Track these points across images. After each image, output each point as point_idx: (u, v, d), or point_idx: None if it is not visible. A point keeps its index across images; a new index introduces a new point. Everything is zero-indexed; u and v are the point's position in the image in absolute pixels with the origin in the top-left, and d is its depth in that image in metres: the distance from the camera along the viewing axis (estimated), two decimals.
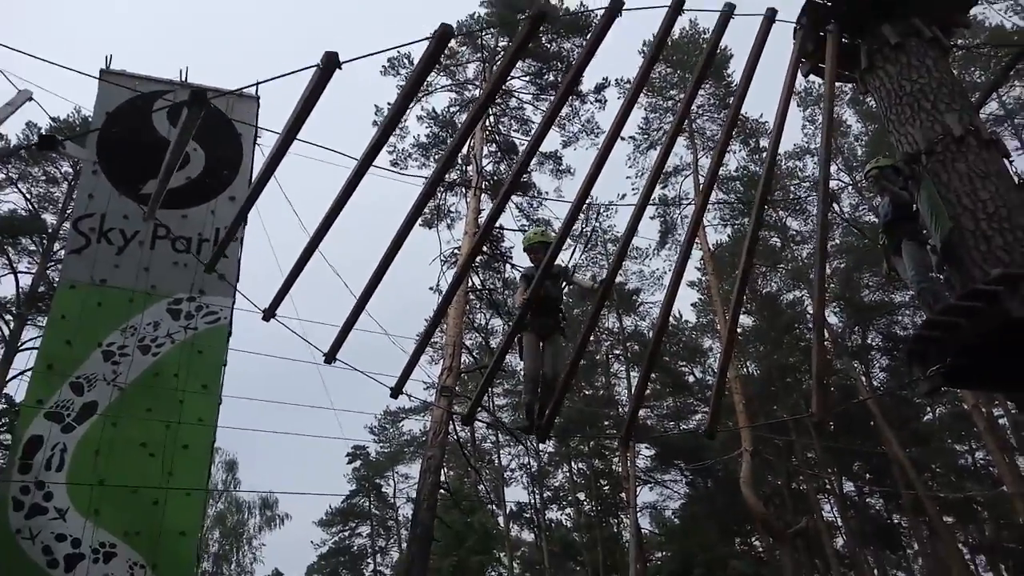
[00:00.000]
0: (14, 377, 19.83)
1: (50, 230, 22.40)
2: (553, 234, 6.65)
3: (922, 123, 5.39)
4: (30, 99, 7.03)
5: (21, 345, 20.60)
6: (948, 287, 5.28)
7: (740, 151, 27.92)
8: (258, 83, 3.81)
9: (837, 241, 29.51)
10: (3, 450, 19.31)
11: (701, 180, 26.27)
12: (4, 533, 7.95)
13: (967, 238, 4.81)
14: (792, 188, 28.31)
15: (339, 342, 5.55)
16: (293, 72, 3.61)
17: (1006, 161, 5.21)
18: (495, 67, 21.10)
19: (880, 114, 5.93)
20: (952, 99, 5.39)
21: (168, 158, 4.48)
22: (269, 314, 5.24)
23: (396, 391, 6.04)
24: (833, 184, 24.83)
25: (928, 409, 30.64)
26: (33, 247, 22.53)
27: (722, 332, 24.63)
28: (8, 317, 21.44)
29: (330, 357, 5.57)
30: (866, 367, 31.31)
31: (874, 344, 31.37)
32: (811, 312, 30.64)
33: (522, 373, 6.50)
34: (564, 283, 6.82)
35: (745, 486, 19.85)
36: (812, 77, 6.54)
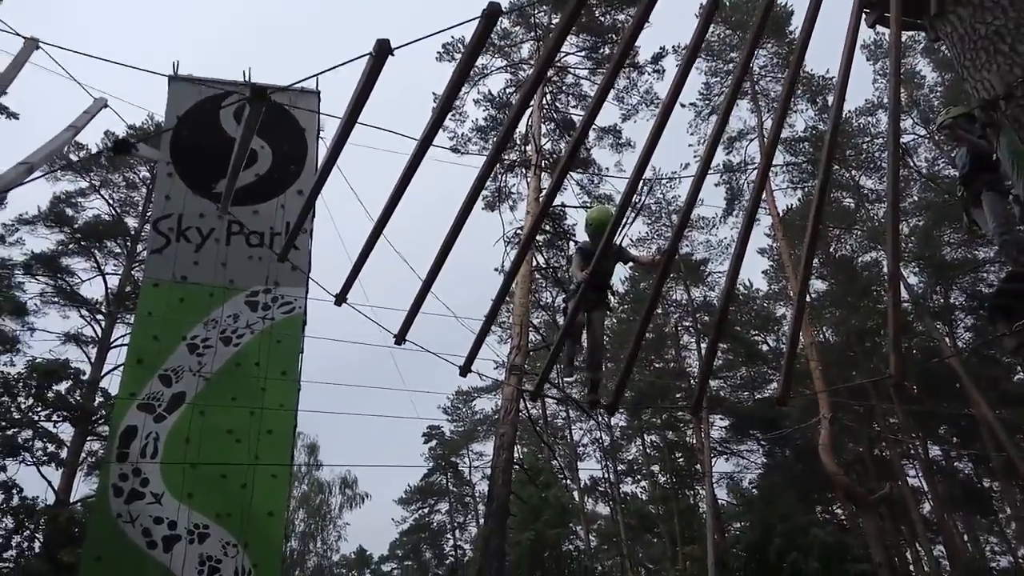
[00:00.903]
0: (108, 372, 21.01)
1: (132, 232, 23.49)
2: (607, 209, 6.65)
3: (999, 67, 5.10)
4: (105, 106, 7.36)
5: (113, 342, 21.77)
6: None
7: (807, 110, 26.98)
8: (316, 75, 3.90)
9: (915, 198, 28.30)
10: (102, 441, 20.53)
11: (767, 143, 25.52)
12: (106, 517, 8.49)
13: None
14: (865, 145, 27.21)
15: (408, 323, 5.67)
16: (346, 63, 3.69)
17: None
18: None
19: (954, 61, 5.65)
20: None
21: (235, 155, 4.64)
22: (340, 299, 5.39)
23: (464, 369, 6.15)
24: (908, 138, 23.79)
25: (1019, 368, 29.23)
26: (118, 250, 23.70)
27: (795, 298, 24.04)
28: (99, 317, 22.67)
29: (400, 338, 5.70)
30: (950, 327, 30.05)
31: (957, 303, 30.05)
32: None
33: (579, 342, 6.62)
34: (619, 260, 6.82)
35: (824, 453, 19.42)
36: (880, 28, 6.28)
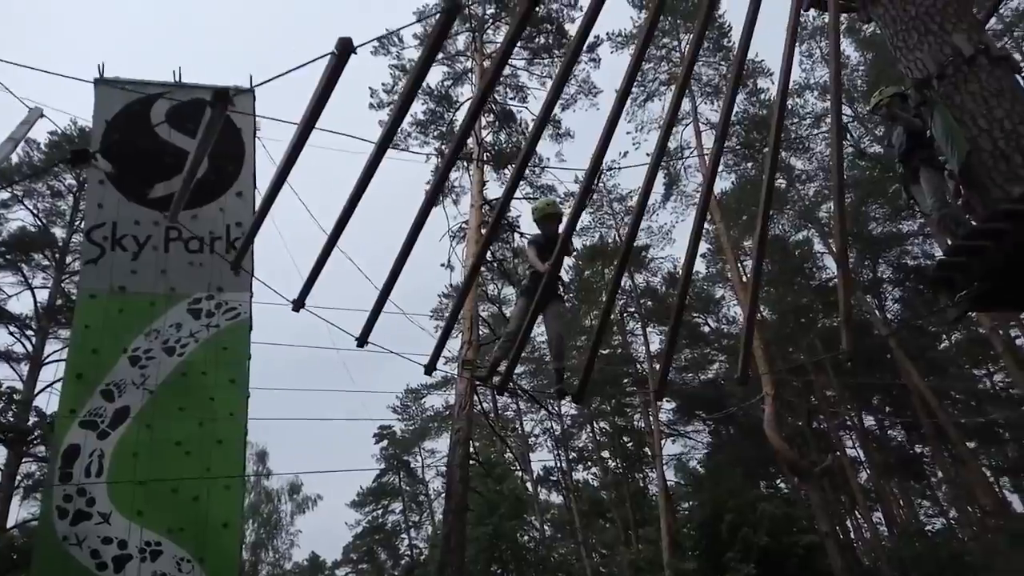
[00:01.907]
0: (42, 390, 20.10)
1: (61, 243, 22.48)
2: (557, 201, 6.73)
3: (930, 46, 5.30)
4: (42, 116, 7.01)
5: (46, 359, 20.83)
6: (969, 211, 5.26)
7: (738, 94, 27.58)
8: (277, 77, 3.77)
9: (844, 176, 29.22)
10: (39, 462, 19.66)
11: (701, 127, 26.02)
12: (52, 541, 8.14)
13: (986, 159, 4.76)
14: (793, 127, 28.01)
15: (369, 326, 5.61)
16: (312, 61, 3.60)
17: (1018, 77, 5.13)
18: (485, 42, 20.87)
19: (886, 41, 5.84)
20: (958, 18, 5.27)
21: (190, 162, 4.49)
22: (299, 304, 5.29)
23: (429, 369, 6.12)
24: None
25: (944, 337, 30.65)
26: (46, 262, 22.65)
27: (734, 280, 24.64)
28: (29, 332, 21.65)
29: (362, 341, 5.63)
30: (879, 300, 31.28)
31: (885, 277, 31.30)
32: (820, 251, 30.64)
33: (506, 331, 6.67)
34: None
35: (769, 429, 20.01)
36: (809, 12, 6.44)
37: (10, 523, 18.02)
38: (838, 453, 28.87)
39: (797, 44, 27.44)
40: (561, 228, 6.35)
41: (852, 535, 31.64)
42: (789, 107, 28.66)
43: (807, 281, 31.23)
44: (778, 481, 33.49)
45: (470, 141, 19.01)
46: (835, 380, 28.59)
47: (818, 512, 20.46)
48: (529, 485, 35.81)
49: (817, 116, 27.47)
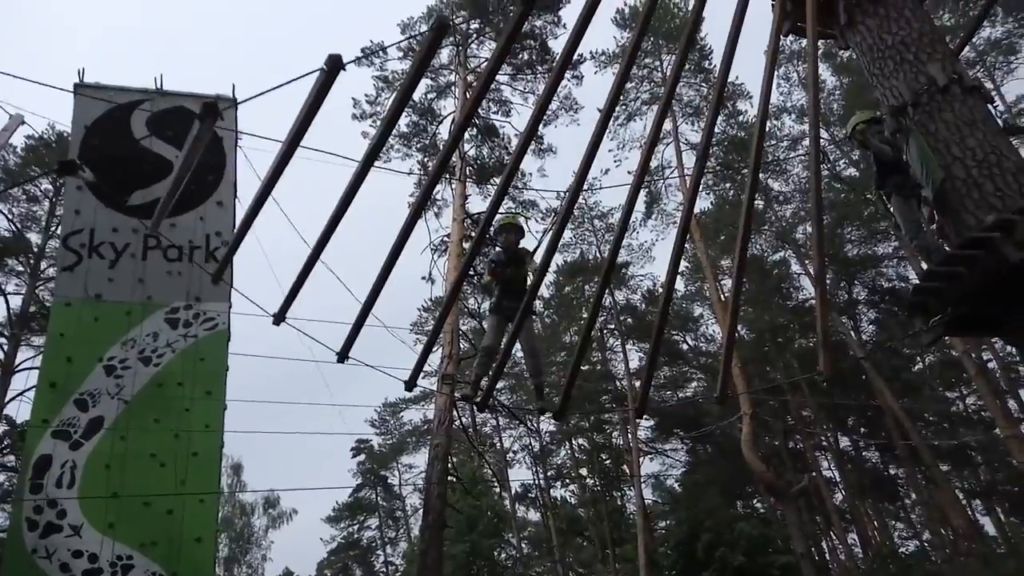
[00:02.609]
0: (13, 398, 19.72)
1: (36, 249, 22.16)
2: (517, 214, 6.78)
3: (906, 75, 5.43)
4: (22, 123, 6.96)
5: (17, 367, 20.45)
6: (943, 237, 5.37)
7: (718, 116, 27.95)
8: (265, 92, 3.77)
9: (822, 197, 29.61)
10: (7, 472, 19.27)
11: (682, 147, 26.30)
12: (20, 553, 7.98)
13: (959, 187, 4.87)
14: (771, 149, 28.41)
15: (350, 341, 5.59)
16: (301, 77, 3.61)
17: (989, 107, 5.27)
18: (469, 57, 21.01)
19: (863, 69, 5.97)
20: (933, 48, 5.42)
21: (178, 169, 4.48)
22: (279, 318, 5.27)
23: (410, 384, 6.10)
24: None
25: (918, 359, 31.04)
26: (20, 268, 22.30)
27: (713, 298, 24.82)
28: (1, 340, 21.28)
29: (343, 356, 5.61)
30: (854, 321, 31.64)
31: (860, 298, 31.69)
32: (798, 271, 31.00)
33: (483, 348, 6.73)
34: (528, 268, 6.91)
35: (746, 448, 20.11)
36: (788, 37, 6.58)
37: None
38: (814, 473, 29.01)
39: (777, 67, 27.96)
40: (537, 243, 6.45)
41: (827, 556, 31.78)
42: (767, 129, 29.09)
43: (784, 301, 31.54)
44: (755, 501, 33.61)
45: (453, 155, 19.10)
46: (811, 400, 28.82)
47: (794, 532, 20.56)
48: (507, 502, 35.66)
49: (794, 139, 27.90)
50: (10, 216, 22.63)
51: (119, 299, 9.41)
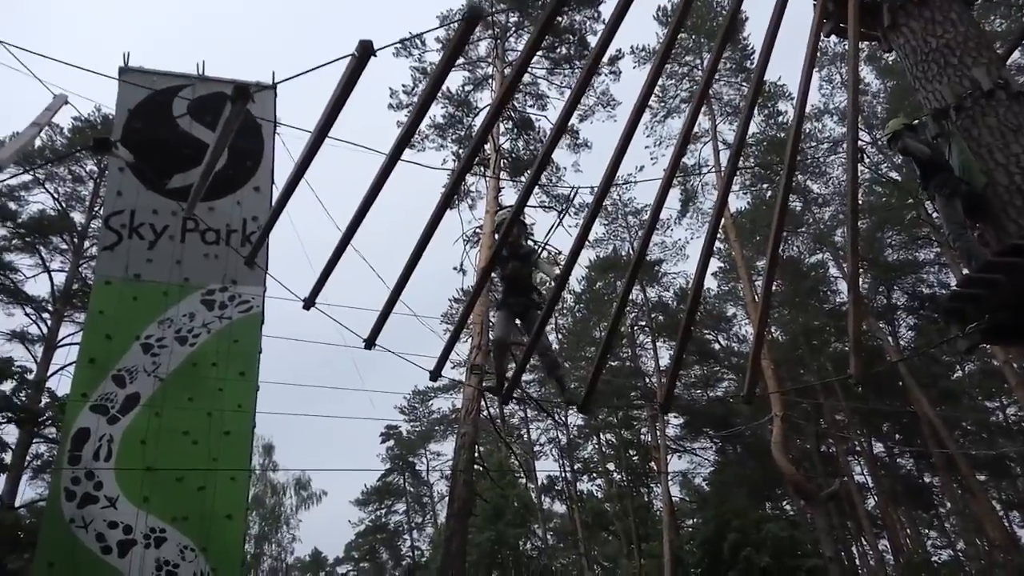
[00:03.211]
0: (55, 372, 20.32)
1: (79, 228, 22.73)
2: (509, 208, 6.74)
3: (949, 79, 5.32)
4: (66, 103, 7.15)
5: (60, 341, 21.06)
6: (984, 243, 5.26)
7: (756, 116, 27.60)
8: (295, 76, 3.83)
9: (859, 201, 29.06)
10: (49, 443, 19.88)
11: (720, 146, 26.02)
12: (59, 522, 8.23)
13: (1001, 193, 4.77)
14: (810, 150, 27.97)
15: (378, 328, 5.66)
16: (330, 63, 3.66)
17: None
18: (507, 50, 20.98)
19: (906, 71, 5.86)
20: (979, 52, 5.31)
21: (209, 155, 4.56)
22: (309, 303, 5.36)
23: (435, 374, 6.16)
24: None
25: (957, 367, 30.38)
26: (64, 246, 22.91)
27: (747, 299, 24.56)
28: (45, 315, 21.91)
29: (370, 343, 5.69)
30: (892, 327, 31.07)
31: (900, 304, 31.10)
32: (835, 275, 30.51)
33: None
34: (533, 265, 6.91)
35: (776, 450, 19.88)
36: (829, 37, 6.47)
37: (18, 502, 18.23)
38: (845, 478, 28.59)
39: (817, 69, 27.55)
40: (549, 230, 6.45)
41: (857, 562, 31.35)
42: (807, 131, 28.64)
43: (820, 304, 31.08)
44: (784, 503, 33.27)
45: (487, 147, 19.13)
46: (845, 404, 28.38)
47: (823, 536, 20.30)
48: (533, 493, 35.79)
49: (835, 140, 27.41)
50: (56, 195, 23.26)
51: (157, 279, 9.62)
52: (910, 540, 31.09)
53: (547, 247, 6.85)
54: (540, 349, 6.59)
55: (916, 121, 5.89)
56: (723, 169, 23.85)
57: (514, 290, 6.65)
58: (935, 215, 6.42)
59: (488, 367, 15.29)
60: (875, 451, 32.28)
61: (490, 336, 16.98)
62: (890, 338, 29.81)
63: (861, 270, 29.52)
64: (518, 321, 6.69)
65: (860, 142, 6.80)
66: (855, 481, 30.61)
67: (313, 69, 3.67)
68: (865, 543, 32.03)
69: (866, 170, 24.49)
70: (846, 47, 6.09)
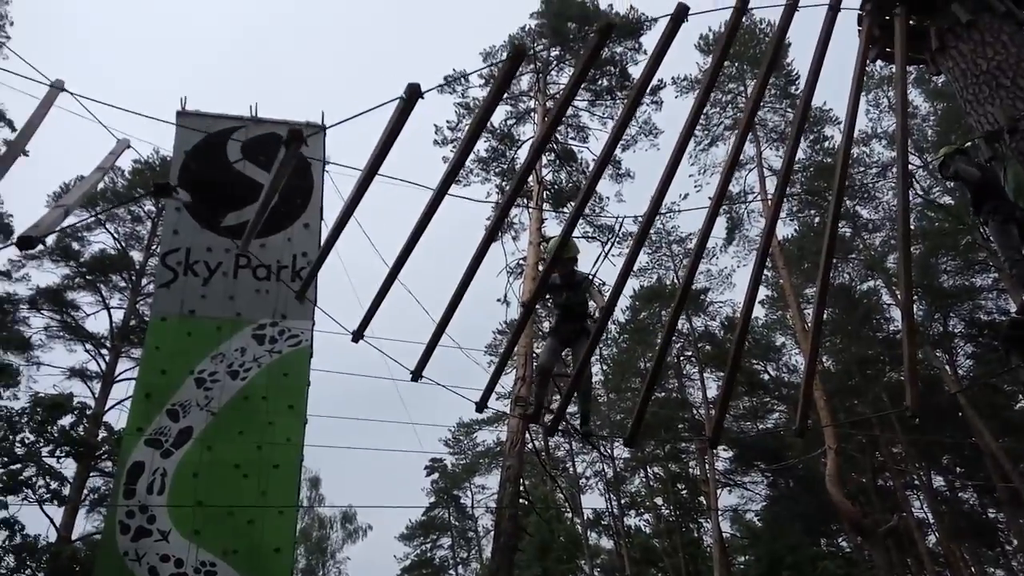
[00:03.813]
0: (112, 407, 20.91)
1: (137, 266, 23.52)
2: (572, 242, 6.74)
3: (1002, 100, 5.20)
4: (128, 147, 7.46)
5: (117, 377, 21.68)
6: None
7: (802, 141, 27.30)
8: (345, 120, 3.94)
9: (912, 226, 28.39)
10: (105, 477, 20.36)
11: (765, 172, 25.78)
12: (114, 555, 8.36)
13: None
14: (859, 175, 27.50)
15: (424, 360, 5.71)
16: (382, 104, 3.77)
17: None
18: (548, 83, 21.24)
19: (956, 94, 5.76)
20: None
21: (266, 192, 4.71)
22: (357, 336, 5.44)
23: (481, 406, 6.17)
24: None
25: (1021, 396, 29.19)
26: (123, 284, 23.71)
27: (796, 327, 24.08)
28: (104, 351, 22.61)
29: (416, 375, 5.74)
30: (950, 355, 30.08)
31: (956, 331, 30.12)
32: (888, 302, 29.74)
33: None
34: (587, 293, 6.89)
35: (831, 484, 19.29)
36: (873, 63, 6.40)
37: (75, 535, 18.66)
38: (904, 513, 27.55)
39: (864, 93, 27.21)
40: (597, 259, 6.45)
41: None
42: (855, 156, 28.18)
43: (873, 332, 30.29)
44: (839, 539, 32.16)
45: (530, 179, 19.28)
46: (902, 436, 27.45)
47: (881, 574, 19.55)
48: (579, 527, 35.24)
49: (884, 165, 26.93)
50: (116, 235, 24.15)
51: (211, 315, 9.84)
52: None
53: (593, 277, 6.85)
54: (578, 376, 6.57)
55: (968, 144, 5.77)
56: (769, 196, 23.64)
57: (569, 317, 6.66)
58: (991, 240, 6.21)
59: (532, 400, 15.24)
60: (935, 485, 31.08)
61: (534, 365, 16.94)
62: (948, 367, 28.86)
63: (915, 297, 28.70)
64: (566, 349, 6.70)
65: (910, 166, 6.68)
66: (915, 516, 29.47)
67: (362, 113, 3.78)
68: None
69: (918, 195, 23.97)
70: (893, 70, 6.02)
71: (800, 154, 27.26)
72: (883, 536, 20.10)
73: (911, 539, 27.70)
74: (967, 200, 6.04)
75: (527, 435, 14.70)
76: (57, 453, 18.24)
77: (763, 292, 33.12)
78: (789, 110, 26.33)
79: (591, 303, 6.77)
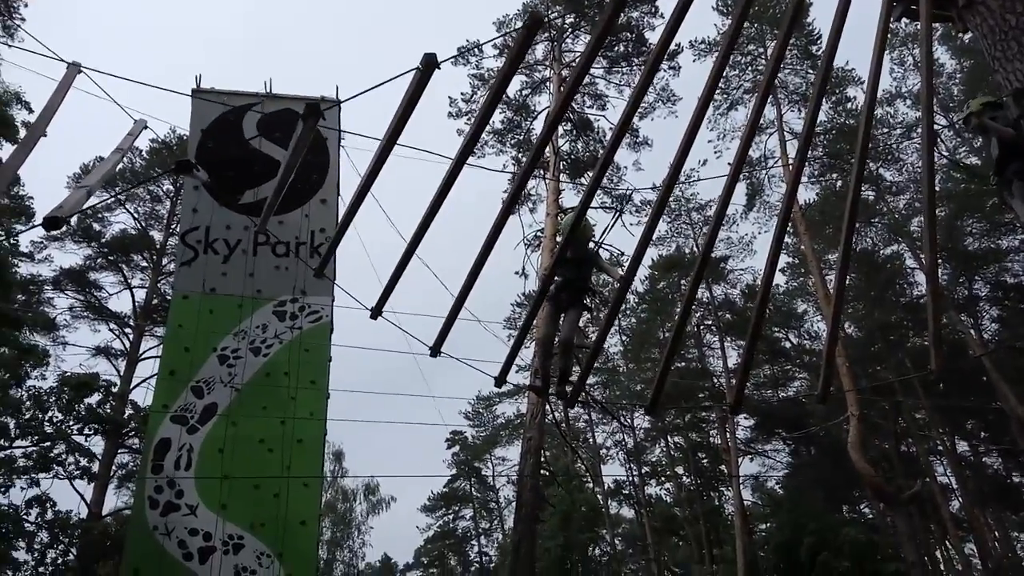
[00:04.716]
0: (137, 385, 21.26)
1: (158, 245, 23.74)
2: (588, 225, 6.70)
3: None
4: (145, 127, 7.48)
5: (141, 355, 22.02)
6: None
7: (823, 103, 26.73)
8: (361, 92, 3.89)
9: (937, 188, 27.87)
10: (133, 453, 20.77)
11: (786, 136, 25.35)
12: (144, 530, 8.56)
13: None
14: (882, 137, 26.95)
15: (443, 335, 5.71)
16: (398, 76, 3.72)
17: None
18: (564, 51, 20.95)
19: (984, 51, 5.58)
20: None
21: (283, 170, 4.69)
22: (376, 312, 5.43)
23: (500, 380, 6.18)
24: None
25: None
26: (144, 263, 23.96)
27: (818, 294, 23.84)
28: (127, 330, 22.94)
29: (435, 350, 5.74)
30: (975, 320, 29.69)
31: (982, 295, 29.68)
32: (911, 266, 29.32)
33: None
34: (594, 267, 6.86)
35: (853, 451, 19.21)
36: (897, 21, 6.21)
37: (104, 511, 19.09)
38: (928, 479, 27.45)
39: (888, 51, 26.55)
40: (607, 227, 6.39)
41: (942, 567, 30.04)
42: (878, 116, 27.58)
43: (896, 298, 29.94)
44: (862, 506, 32.15)
45: (547, 150, 19.10)
46: (926, 402, 27.23)
47: (905, 540, 19.53)
48: (600, 497, 35.51)
49: (909, 126, 26.35)
50: (136, 215, 24.36)
51: (232, 292, 9.93)
52: (999, 544, 29.60)
53: (608, 248, 6.82)
54: (564, 338, 6.64)
55: (1002, 99, 5.58)
56: (790, 160, 23.29)
57: (568, 288, 6.66)
58: (1012, 202, 6.01)
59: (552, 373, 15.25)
60: (959, 450, 30.87)
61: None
62: (972, 331, 28.50)
63: (940, 260, 28.22)
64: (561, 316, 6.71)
65: (936, 126, 6.51)
66: (938, 482, 29.36)
67: (377, 86, 3.73)
68: (950, 547, 30.69)
69: (943, 156, 23.49)
70: (918, 27, 5.85)
71: (821, 116, 26.75)
72: (906, 502, 20.03)
73: (934, 505, 27.63)
74: (992, 160, 5.85)
75: (547, 407, 14.74)
76: (85, 431, 18.62)
77: (784, 259, 32.78)
78: (810, 71, 25.75)
79: (601, 277, 6.77)
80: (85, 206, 6.25)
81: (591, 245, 6.93)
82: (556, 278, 6.67)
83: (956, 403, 26.45)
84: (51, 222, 5.29)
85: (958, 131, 23.59)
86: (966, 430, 31.20)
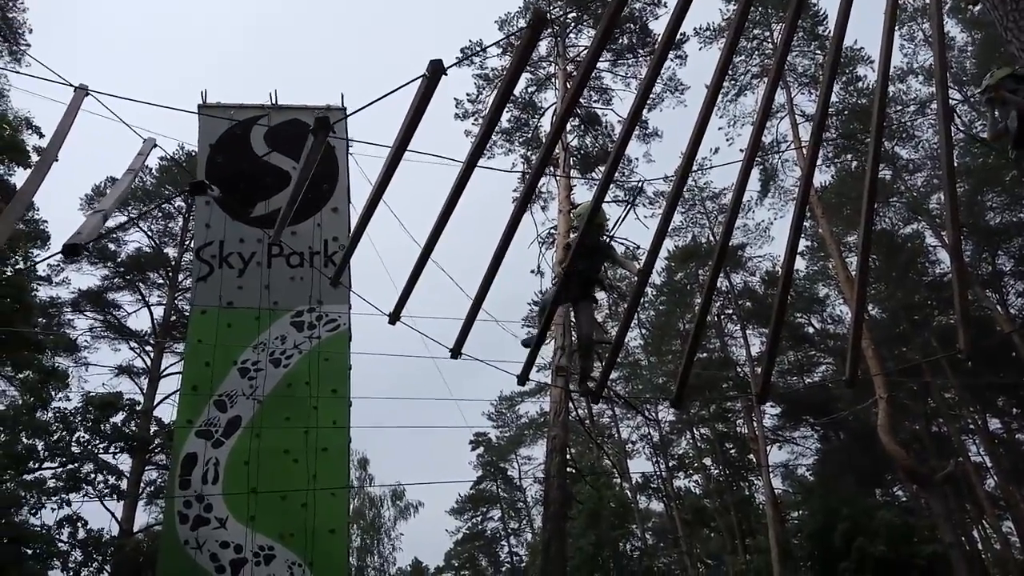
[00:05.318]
0: (160, 402, 21.44)
1: (173, 262, 23.92)
2: (603, 212, 6.62)
3: None
4: (155, 146, 7.50)
5: (163, 372, 22.21)
6: None
7: (835, 84, 26.41)
8: (370, 104, 3.85)
9: (955, 163, 27.45)
10: (160, 469, 20.95)
11: (798, 119, 25.07)
12: (175, 545, 8.60)
13: None
14: (896, 114, 26.56)
15: (462, 337, 5.67)
16: (405, 84, 3.68)
17: None
18: (568, 47, 20.85)
19: (996, 22, 5.44)
20: None
21: (295, 182, 4.68)
22: (394, 317, 5.41)
23: (522, 378, 6.13)
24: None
25: None
26: (161, 280, 24.16)
27: (839, 277, 23.57)
28: (148, 348, 23.15)
29: (456, 352, 5.70)
30: (1001, 295, 29.21)
31: (1007, 269, 29.20)
32: (933, 244, 28.90)
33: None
34: (606, 259, 6.78)
35: (883, 434, 18.95)
36: None
37: (135, 528, 19.28)
38: (960, 459, 27.04)
39: (898, 28, 26.18)
40: (595, 199, 6.30)
41: (980, 546, 29.58)
42: (891, 94, 27.18)
43: (919, 277, 29.53)
44: (895, 489, 31.75)
45: (556, 147, 19.01)
46: (954, 381, 26.83)
47: (941, 521, 19.24)
48: (628, 492, 35.35)
49: (922, 102, 25.96)
50: (150, 233, 24.56)
51: (249, 305, 9.95)
52: None
53: (622, 241, 6.77)
54: (580, 335, 6.53)
55: (1018, 69, 5.44)
56: (804, 143, 23.03)
57: (577, 282, 6.57)
58: None
59: (574, 368, 15.16)
60: (991, 428, 30.39)
61: (572, 337, 16.84)
62: (999, 307, 28.05)
63: (962, 237, 27.76)
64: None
65: (951, 101, 6.36)
66: (971, 461, 28.92)
67: (384, 96, 3.69)
68: (987, 526, 30.22)
69: (959, 130, 23.12)
70: (927, 2, 5.71)
71: (833, 97, 26.41)
72: (940, 483, 19.73)
73: (969, 484, 27.23)
74: (1011, 131, 5.69)
75: (571, 404, 14.67)
76: (112, 450, 18.80)
77: (802, 243, 32.40)
78: (819, 52, 25.45)
79: (616, 271, 6.71)
80: (104, 229, 6.27)
81: (603, 237, 6.85)
82: (557, 270, 6.65)
83: (986, 380, 26.05)
84: (71, 249, 5.30)
85: (973, 105, 23.20)
86: (997, 407, 30.70)
